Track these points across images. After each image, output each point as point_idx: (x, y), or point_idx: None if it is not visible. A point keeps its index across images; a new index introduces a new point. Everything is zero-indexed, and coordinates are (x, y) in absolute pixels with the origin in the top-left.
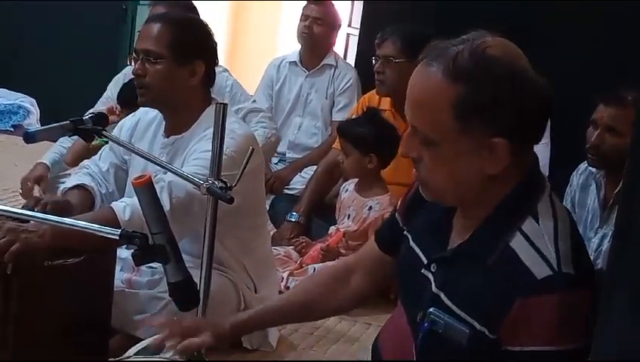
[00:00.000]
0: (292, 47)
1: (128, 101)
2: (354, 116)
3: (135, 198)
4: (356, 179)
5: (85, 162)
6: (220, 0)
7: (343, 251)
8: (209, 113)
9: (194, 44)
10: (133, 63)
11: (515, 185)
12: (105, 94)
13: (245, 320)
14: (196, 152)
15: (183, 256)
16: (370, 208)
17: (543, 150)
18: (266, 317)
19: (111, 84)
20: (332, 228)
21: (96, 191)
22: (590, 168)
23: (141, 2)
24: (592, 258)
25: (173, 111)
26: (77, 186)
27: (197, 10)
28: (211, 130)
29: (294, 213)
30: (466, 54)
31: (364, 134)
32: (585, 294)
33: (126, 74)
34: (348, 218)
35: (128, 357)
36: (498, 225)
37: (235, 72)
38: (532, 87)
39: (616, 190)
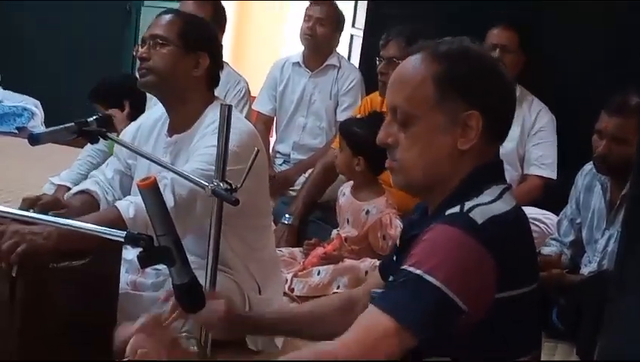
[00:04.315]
0: (296, 49)
1: (101, 96)
2: (358, 116)
3: (139, 197)
4: (352, 182)
5: (93, 172)
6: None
7: (346, 255)
8: (211, 110)
9: (201, 38)
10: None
11: (470, 170)
12: None
13: (256, 318)
14: (200, 148)
15: (188, 256)
16: (368, 212)
17: (550, 148)
18: (278, 322)
19: None
20: (334, 232)
21: (101, 196)
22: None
23: (145, 3)
24: (598, 258)
25: (173, 104)
26: (81, 192)
27: (224, 11)
28: (214, 125)
29: (287, 216)
30: (448, 43)
31: (359, 136)
32: (479, 248)
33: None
34: (347, 223)
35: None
36: (450, 204)
37: (239, 72)
38: (501, 74)
39: (623, 192)
